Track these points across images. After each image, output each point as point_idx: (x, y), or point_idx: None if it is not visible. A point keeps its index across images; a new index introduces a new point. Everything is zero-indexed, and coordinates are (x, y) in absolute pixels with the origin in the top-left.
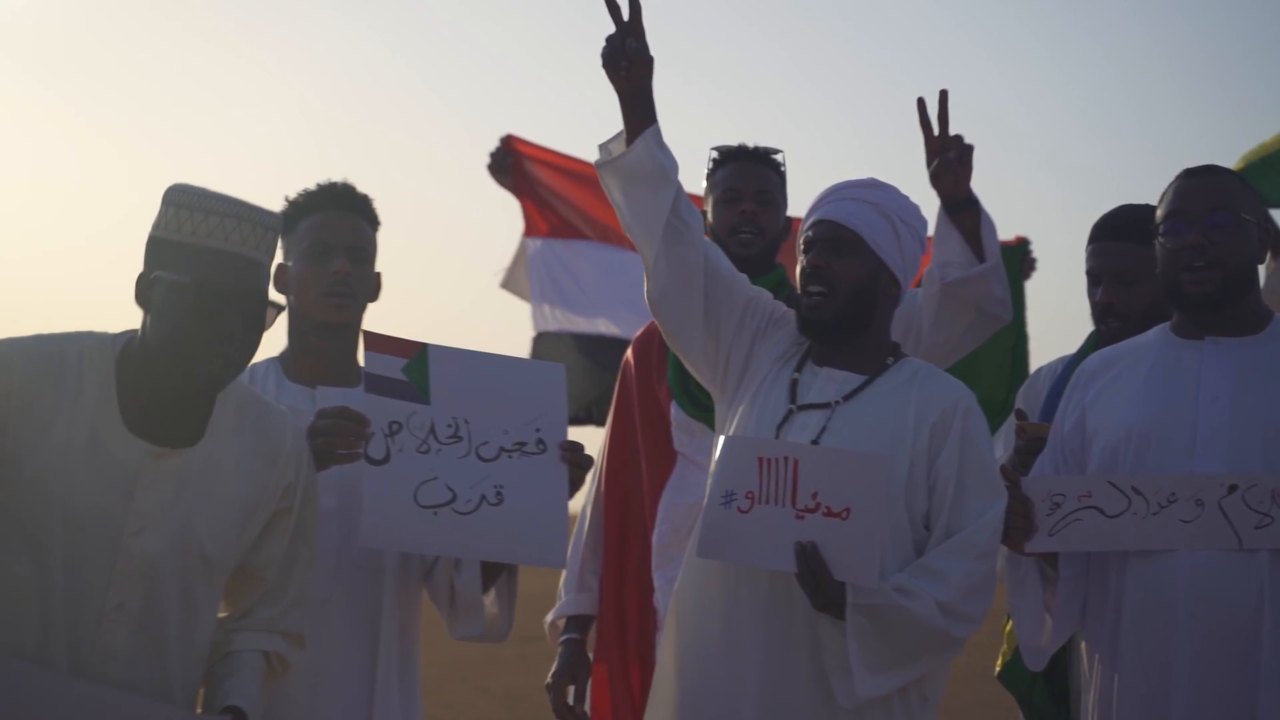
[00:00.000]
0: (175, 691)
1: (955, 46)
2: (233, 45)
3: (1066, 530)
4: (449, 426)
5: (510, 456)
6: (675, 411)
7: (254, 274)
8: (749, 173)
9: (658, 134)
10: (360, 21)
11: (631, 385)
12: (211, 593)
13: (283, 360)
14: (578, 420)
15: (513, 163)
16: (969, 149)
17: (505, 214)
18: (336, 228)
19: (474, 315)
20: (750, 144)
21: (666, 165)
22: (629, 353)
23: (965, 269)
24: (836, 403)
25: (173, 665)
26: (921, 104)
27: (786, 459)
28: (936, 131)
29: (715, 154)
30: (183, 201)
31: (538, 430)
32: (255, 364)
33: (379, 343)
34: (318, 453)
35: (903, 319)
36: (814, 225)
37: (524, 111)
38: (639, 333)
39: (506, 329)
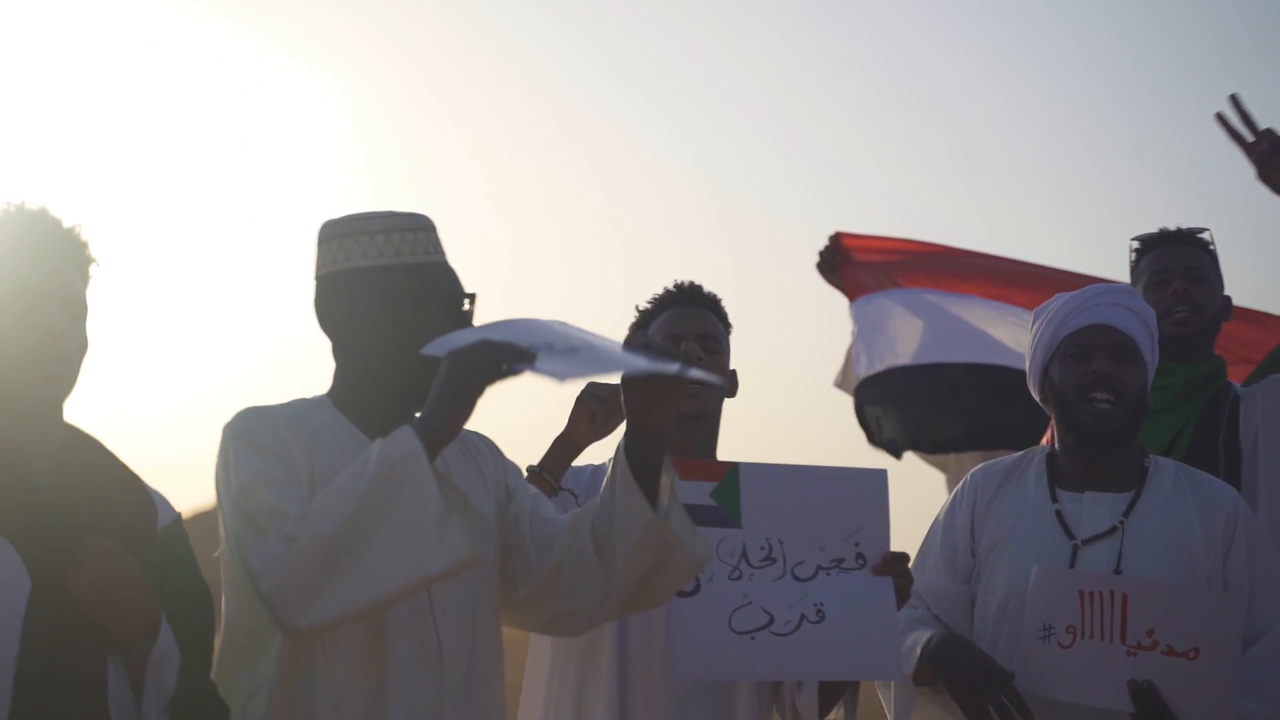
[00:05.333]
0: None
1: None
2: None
3: None
4: (762, 549)
5: (828, 574)
6: None
7: (456, 276)
8: (1175, 253)
9: None
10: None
11: None
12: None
13: None
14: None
15: (841, 260)
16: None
17: (835, 317)
18: (686, 320)
19: (805, 424)
20: (1172, 227)
21: None
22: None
23: None
24: (1121, 522)
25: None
26: (1220, 117)
27: (1114, 593)
28: (1249, 136)
29: (1136, 244)
30: (360, 229)
31: (857, 544)
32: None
33: (684, 468)
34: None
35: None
36: (1091, 329)
37: (849, 207)
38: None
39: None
